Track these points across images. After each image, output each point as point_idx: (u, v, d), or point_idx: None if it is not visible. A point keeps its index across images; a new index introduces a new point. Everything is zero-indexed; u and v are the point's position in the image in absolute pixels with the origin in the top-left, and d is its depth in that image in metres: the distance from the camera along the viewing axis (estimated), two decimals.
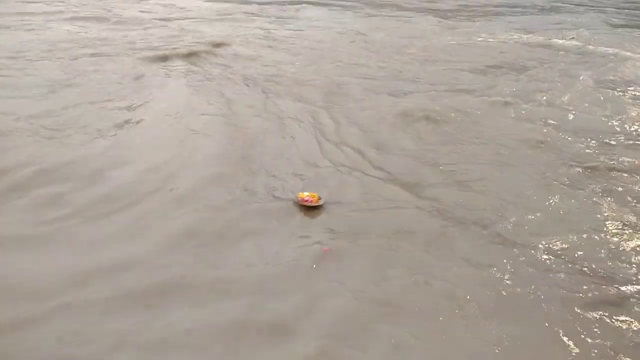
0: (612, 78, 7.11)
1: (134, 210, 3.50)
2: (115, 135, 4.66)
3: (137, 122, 4.98)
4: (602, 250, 3.28)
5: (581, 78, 6.98)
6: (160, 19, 9.52)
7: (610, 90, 6.55)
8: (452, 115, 5.41)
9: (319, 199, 3.62)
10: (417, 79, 6.73)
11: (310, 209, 3.54)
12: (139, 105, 5.38)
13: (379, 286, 2.89)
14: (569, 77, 7.03)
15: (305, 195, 3.62)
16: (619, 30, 10.86)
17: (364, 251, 3.18)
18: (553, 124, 5.35)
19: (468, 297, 2.81)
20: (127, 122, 4.95)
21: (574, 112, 5.71)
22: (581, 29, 10.22)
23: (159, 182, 3.87)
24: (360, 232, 3.37)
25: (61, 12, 9.72)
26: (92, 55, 7.01)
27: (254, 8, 11.22)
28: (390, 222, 3.49)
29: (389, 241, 3.29)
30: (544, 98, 6.13)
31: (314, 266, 3.02)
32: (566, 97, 6.18)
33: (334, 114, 5.41)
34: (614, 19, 12.17)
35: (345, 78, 6.61)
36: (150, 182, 3.86)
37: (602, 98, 6.24)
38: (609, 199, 3.90)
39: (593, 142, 4.90)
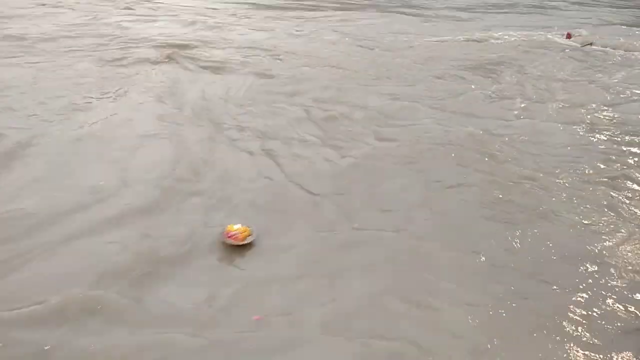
0: (615, 76, 6.74)
1: None
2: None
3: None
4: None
5: (584, 77, 6.62)
6: (131, 20, 8.95)
7: (613, 89, 6.17)
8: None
9: (250, 234, 2.84)
10: (406, 79, 6.21)
11: (235, 248, 2.78)
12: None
13: None
14: (572, 78, 6.61)
15: (234, 228, 2.84)
16: (619, 28, 10.50)
17: None
18: (558, 130, 4.87)
19: None
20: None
21: (586, 115, 5.23)
22: (581, 29, 9.87)
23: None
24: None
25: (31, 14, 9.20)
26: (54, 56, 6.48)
27: (229, 11, 10.63)
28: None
29: None
30: (547, 100, 5.66)
31: None
32: (572, 98, 5.74)
33: (316, 128, 4.68)
34: (612, 17, 11.82)
35: (329, 77, 6.10)
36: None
37: (607, 97, 5.87)
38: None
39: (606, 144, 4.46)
